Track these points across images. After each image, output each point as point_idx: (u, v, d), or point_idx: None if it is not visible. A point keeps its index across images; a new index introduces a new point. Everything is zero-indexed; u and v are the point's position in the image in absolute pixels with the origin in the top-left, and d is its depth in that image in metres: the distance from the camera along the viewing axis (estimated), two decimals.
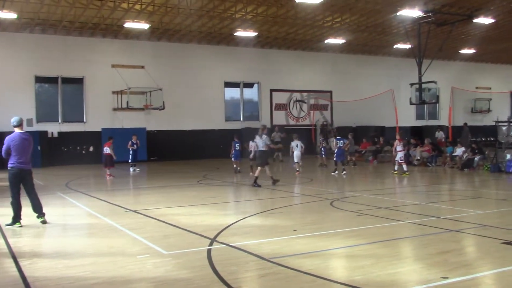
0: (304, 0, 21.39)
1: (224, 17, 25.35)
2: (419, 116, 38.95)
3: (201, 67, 30.49)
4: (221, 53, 31.25)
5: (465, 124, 29.96)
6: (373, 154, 25.92)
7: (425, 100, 27.62)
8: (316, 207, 11.62)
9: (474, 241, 7.84)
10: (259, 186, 15.04)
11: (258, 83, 32.96)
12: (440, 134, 29.05)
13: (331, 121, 34.69)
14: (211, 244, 7.54)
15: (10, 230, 9.10)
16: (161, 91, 27.71)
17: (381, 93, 31.54)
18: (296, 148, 19.34)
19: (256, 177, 15.31)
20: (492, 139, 31.85)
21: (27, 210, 9.60)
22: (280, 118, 33.34)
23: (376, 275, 5.88)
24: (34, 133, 22.66)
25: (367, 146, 27.00)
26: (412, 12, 23.97)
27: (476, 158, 20.24)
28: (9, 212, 9.54)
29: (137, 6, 22.70)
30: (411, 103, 28.78)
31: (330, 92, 35.23)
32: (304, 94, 34.52)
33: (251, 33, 27.52)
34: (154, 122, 29.12)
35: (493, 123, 22.43)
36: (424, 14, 24.41)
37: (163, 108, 27.95)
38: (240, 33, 27.36)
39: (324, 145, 23.06)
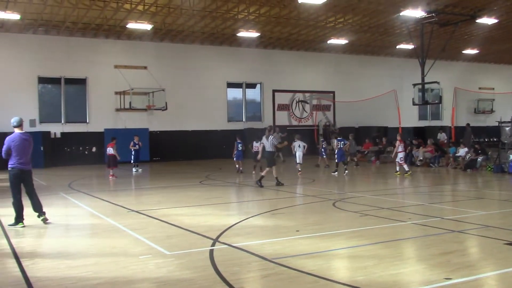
0: (306, 0, 21.36)
1: (226, 18, 25.35)
2: (422, 117, 38.87)
3: (203, 68, 30.50)
4: (223, 54, 31.26)
5: (468, 124, 29.90)
6: (376, 154, 25.88)
7: (428, 101, 27.60)
8: (319, 207, 11.63)
9: (477, 242, 7.81)
10: (261, 186, 15.11)
11: (260, 83, 32.96)
12: (442, 136, 28.95)
13: (334, 122, 34.67)
14: (213, 245, 7.55)
15: (13, 230, 9.13)
16: (163, 92, 27.73)
17: (384, 93, 31.53)
18: (298, 148, 19.35)
19: (262, 176, 15.44)
20: (495, 139, 31.78)
21: (28, 210, 9.63)
22: (282, 118, 33.32)
23: (378, 275, 5.87)
24: (37, 134, 22.74)
25: (370, 146, 26.95)
26: (415, 13, 23.90)
27: (479, 159, 20.20)
28: (11, 212, 9.57)
29: (140, 7, 22.71)
30: (414, 104, 28.77)
31: (333, 92, 35.21)
32: (307, 94, 34.49)
33: (253, 34, 27.50)
34: (157, 123, 29.14)
35: (496, 124, 22.37)
36: (427, 14, 24.37)
37: (166, 109, 27.98)
38: (242, 34, 27.34)
39: (324, 146, 23.06)
